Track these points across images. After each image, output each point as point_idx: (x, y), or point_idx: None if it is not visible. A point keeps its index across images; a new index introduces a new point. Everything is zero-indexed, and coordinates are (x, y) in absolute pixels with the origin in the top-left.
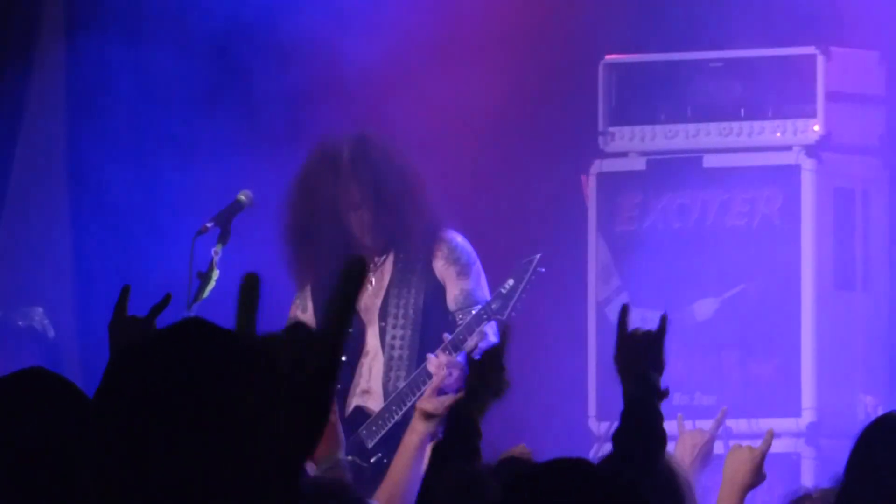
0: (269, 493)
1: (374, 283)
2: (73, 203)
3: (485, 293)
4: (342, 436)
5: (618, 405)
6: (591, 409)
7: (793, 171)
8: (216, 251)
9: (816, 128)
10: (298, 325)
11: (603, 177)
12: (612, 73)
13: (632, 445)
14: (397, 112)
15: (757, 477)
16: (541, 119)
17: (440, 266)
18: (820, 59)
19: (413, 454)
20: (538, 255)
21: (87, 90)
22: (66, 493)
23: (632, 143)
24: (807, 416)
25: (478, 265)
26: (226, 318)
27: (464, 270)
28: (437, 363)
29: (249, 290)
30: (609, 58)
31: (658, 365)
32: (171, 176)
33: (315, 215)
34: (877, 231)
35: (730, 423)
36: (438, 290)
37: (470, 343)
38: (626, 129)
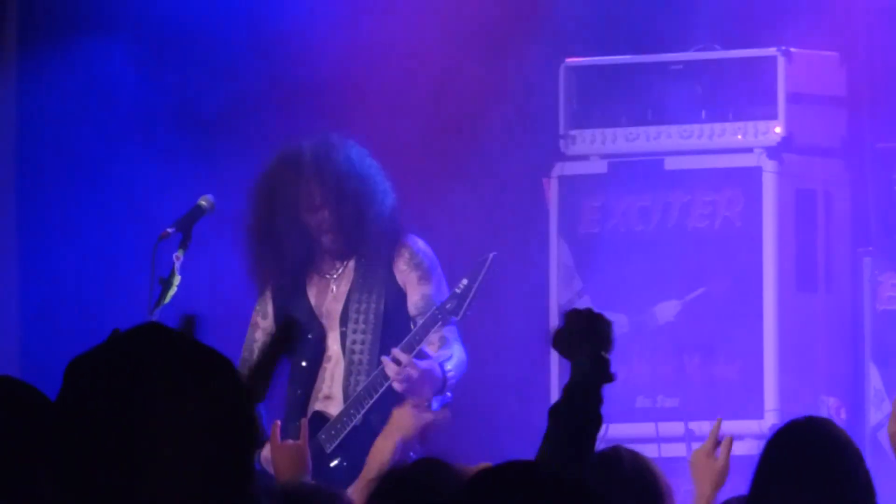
0: (215, 496)
1: (335, 288)
2: (20, 211)
3: (444, 297)
4: (309, 461)
5: None
6: None
7: (754, 173)
8: (178, 256)
9: (778, 129)
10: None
11: (564, 180)
12: (572, 76)
13: (568, 423)
14: (356, 114)
15: (723, 480)
16: (502, 122)
17: (401, 271)
18: (781, 61)
19: (388, 458)
20: (492, 254)
21: (38, 102)
22: (29, 497)
23: (593, 146)
24: (769, 418)
25: (439, 270)
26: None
27: (424, 276)
28: (395, 368)
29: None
30: (570, 61)
31: (607, 344)
32: (125, 182)
33: (276, 216)
34: (838, 233)
35: (692, 425)
36: (399, 295)
37: (430, 348)
38: (587, 132)
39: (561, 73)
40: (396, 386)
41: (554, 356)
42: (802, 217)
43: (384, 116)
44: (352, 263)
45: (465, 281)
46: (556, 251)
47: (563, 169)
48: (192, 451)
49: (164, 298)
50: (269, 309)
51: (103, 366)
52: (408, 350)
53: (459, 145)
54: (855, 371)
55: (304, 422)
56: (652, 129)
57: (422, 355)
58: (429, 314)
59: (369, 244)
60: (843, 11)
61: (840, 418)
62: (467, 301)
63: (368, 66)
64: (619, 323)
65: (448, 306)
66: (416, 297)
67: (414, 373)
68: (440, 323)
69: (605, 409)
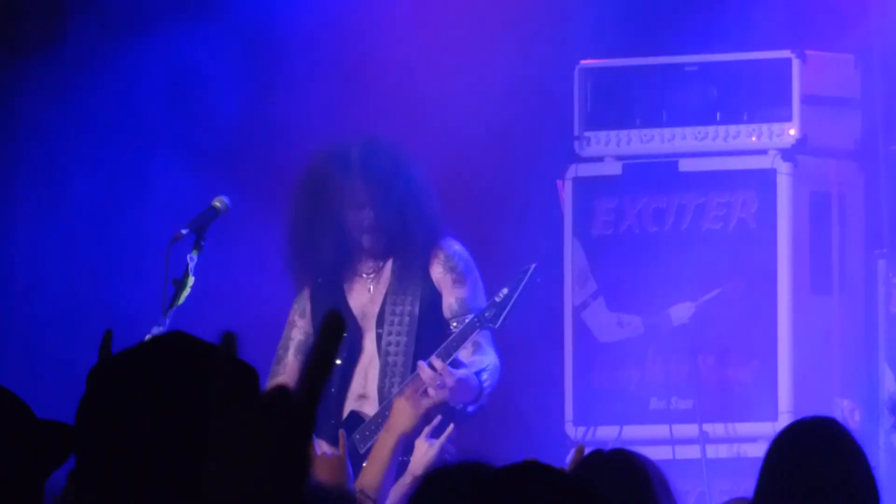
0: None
1: (371, 289)
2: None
3: (481, 302)
4: (350, 470)
5: (595, 410)
6: (568, 413)
7: (769, 175)
8: (191, 257)
9: (792, 131)
10: (280, 392)
11: (579, 181)
12: (587, 78)
13: None
14: (369, 117)
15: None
16: (517, 124)
17: (437, 274)
18: (795, 63)
19: (390, 453)
20: (533, 265)
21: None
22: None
23: (608, 148)
24: (783, 420)
25: (475, 274)
26: (200, 323)
27: (460, 279)
28: (430, 374)
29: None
30: (584, 62)
31: None
32: (130, 183)
33: (319, 211)
34: (853, 235)
35: (706, 427)
36: (435, 297)
37: (463, 352)
38: (602, 134)
39: (576, 74)
40: (431, 392)
41: (568, 356)
42: (817, 219)
43: (397, 119)
44: (389, 265)
45: (504, 290)
46: (571, 252)
47: (577, 170)
48: (230, 455)
49: (178, 300)
50: (307, 307)
51: (131, 373)
52: (444, 357)
53: (474, 147)
54: (869, 373)
55: (342, 434)
56: (667, 131)
57: (456, 363)
58: (467, 322)
59: (408, 246)
60: (857, 13)
61: (854, 420)
62: (506, 310)
63: (381, 69)
64: (634, 325)
65: (487, 315)
66: (450, 299)
67: (450, 380)
68: (478, 330)
69: (620, 411)
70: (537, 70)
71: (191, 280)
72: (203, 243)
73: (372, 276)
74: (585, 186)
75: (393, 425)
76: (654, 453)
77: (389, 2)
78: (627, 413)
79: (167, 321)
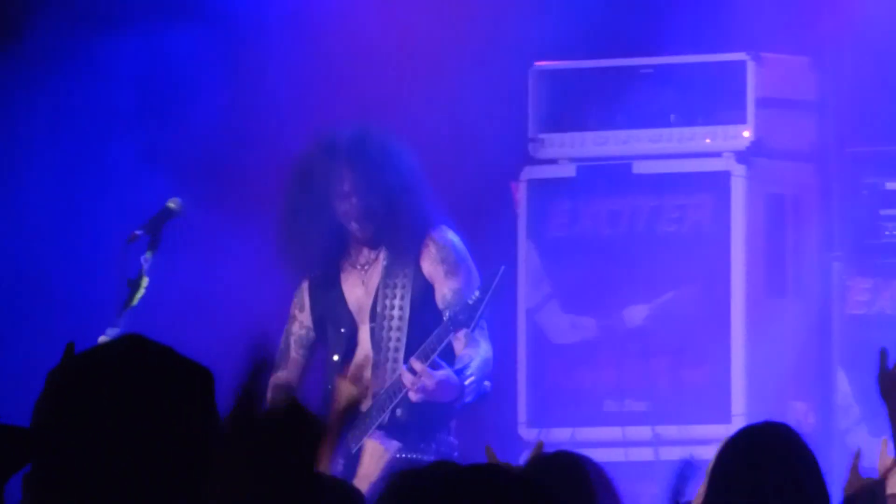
0: None
1: (365, 282)
2: None
3: (475, 289)
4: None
5: (548, 412)
6: (522, 415)
7: (723, 178)
8: (146, 258)
9: (746, 134)
10: (295, 408)
11: (533, 183)
12: (542, 80)
13: None
14: (322, 117)
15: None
16: (471, 125)
17: (428, 265)
18: (750, 65)
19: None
20: (503, 267)
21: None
22: None
23: (562, 150)
24: (737, 423)
25: (468, 262)
26: (154, 324)
27: (452, 269)
28: (410, 378)
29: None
30: (539, 64)
31: None
32: (91, 187)
33: (308, 200)
34: (807, 237)
35: (659, 429)
36: (427, 289)
37: (457, 344)
38: (556, 136)
39: (530, 76)
40: (412, 395)
41: (521, 358)
42: (772, 221)
43: (353, 117)
44: (381, 256)
45: (476, 293)
46: (525, 254)
47: (531, 172)
48: (170, 461)
49: (133, 301)
50: (306, 300)
51: (88, 376)
52: (423, 358)
53: (428, 148)
54: (823, 376)
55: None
56: (621, 133)
57: (435, 364)
58: (441, 326)
59: (397, 235)
60: (812, 16)
61: (808, 423)
62: (479, 312)
63: (337, 73)
64: (588, 327)
65: (460, 317)
66: (444, 290)
67: (429, 383)
68: (452, 333)
69: (573, 413)
70: (492, 72)
71: (145, 281)
72: (158, 244)
73: (366, 267)
74: (540, 188)
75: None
76: (607, 455)
77: (348, 6)
78: (581, 415)
79: (122, 322)
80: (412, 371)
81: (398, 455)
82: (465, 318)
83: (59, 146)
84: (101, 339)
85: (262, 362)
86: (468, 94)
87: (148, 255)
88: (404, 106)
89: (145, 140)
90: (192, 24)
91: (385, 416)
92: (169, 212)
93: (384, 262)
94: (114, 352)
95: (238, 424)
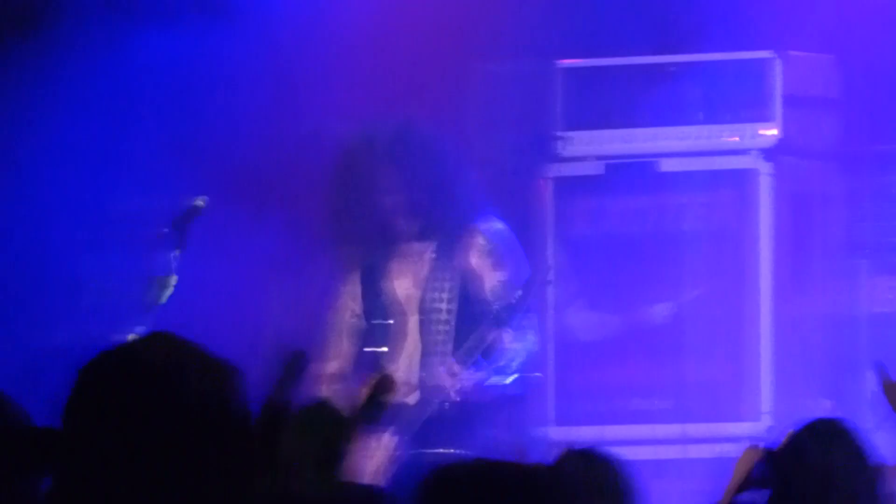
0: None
1: (414, 274)
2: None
3: (522, 280)
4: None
5: (576, 410)
6: (550, 413)
7: (750, 175)
8: (174, 256)
9: (774, 132)
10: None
11: (560, 181)
12: (569, 78)
13: None
14: (347, 115)
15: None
16: (499, 123)
17: (475, 259)
18: (777, 63)
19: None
20: (550, 267)
21: None
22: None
23: (589, 148)
24: (766, 421)
25: (516, 252)
26: (181, 321)
27: (499, 261)
28: (450, 381)
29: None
30: (566, 62)
31: None
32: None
33: (353, 195)
34: (834, 235)
35: (689, 427)
36: (475, 281)
37: (506, 339)
38: (584, 134)
39: (558, 74)
40: (452, 396)
41: (550, 355)
42: (798, 220)
43: (377, 118)
44: (430, 249)
45: (519, 292)
46: (552, 252)
47: (558, 170)
48: (201, 458)
49: (161, 298)
50: (358, 290)
51: (120, 373)
52: (466, 357)
53: (456, 146)
54: (850, 373)
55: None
56: (648, 131)
57: (478, 365)
58: (482, 325)
59: (443, 229)
60: (838, 14)
61: None
62: (519, 311)
63: (359, 65)
64: (615, 324)
65: (503, 316)
66: (493, 282)
67: (467, 385)
68: (495, 331)
69: (601, 411)
70: (519, 69)
71: (174, 279)
72: (185, 241)
73: (415, 259)
74: (567, 186)
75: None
76: (635, 453)
77: (375, 3)
78: (609, 413)
79: (149, 319)
80: (451, 374)
81: (441, 450)
82: (507, 316)
83: (81, 139)
84: (130, 337)
85: (295, 362)
86: (496, 91)
87: (176, 252)
88: (431, 104)
89: (168, 135)
90: (217, 19)
91: (433, 409)
92: (196, 210)
93: (432, 255)
94: (144, 349)
95: (268, 423)
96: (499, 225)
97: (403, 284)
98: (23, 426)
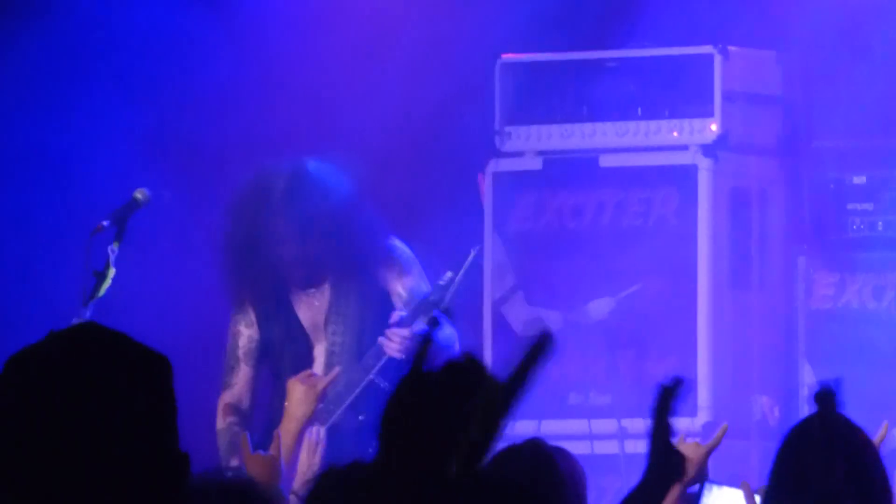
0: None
1: (317, 302)
2: None
3: (426, 290)
4: (282, 470)
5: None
6: None
7: (689, 171)
8: (112, 249)
9: (713, 127)
10: (471, 362)
11: (499, 176)
12: (508, 73)
13: None
14: (287, 113)
15: (699, 473)
16: (437, 118)
17: (380, 273)
18: (717, 59)
19: (294, 439)
20: (475, 249)
21: None
22: None
23: (528, 143)
24: (702, 416)
25: (418, 265)
26: (121, 315)
27: (403, 269)
28: (394, 345)
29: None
30: (505, 57)
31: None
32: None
33: (247, 242)
34: (773, 231)
35: (625, 422)
36: (379, 292)
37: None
38: (523, 129)
39: (497, 69)
40: (397, 355)
41: (487, 349)
42: (737, 215)
43: (318, 116)
44: (328, 281)
45: (449, 273)
46: (490, 247)
47: (497, 165)
48: (126, 448)
49: (99, 291)
50: (253, 317)
51: (43, 364)
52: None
53: (394, 142)
54: (788, 369)
55: (278, 432)
56: (587, 126)
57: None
58: (414, 304)
59: (343, 270)
60: (779, 10)
61: (773, 417)
62: (449, 292)
63: (296, 67)
64: (553, 319)
65: (432, 298)
66: (398, 290)
67: (406, 333)
68: (421, 314)
69: (538, 406)
70: (458, 64)
71: (112, 272)
72: (124, 235)
73: (314, 291)
74: (506, 181)
75: (292, 411)
76: (572, 448)
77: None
78: (546, 408)
79: (87, 312)
80: (400, 337)
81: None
82: (437, 298)
83: (24, 124)
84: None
85: (544, 343)
86: (435, 87)
87: (115, 245)
88: (370, 99)
89: (119, 125)
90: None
91: (367, 380)
92: (136, 203)
93: (333, 283)
94: (67, 339)
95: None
96: (399, 243)
97: (308, 312)
98: None
